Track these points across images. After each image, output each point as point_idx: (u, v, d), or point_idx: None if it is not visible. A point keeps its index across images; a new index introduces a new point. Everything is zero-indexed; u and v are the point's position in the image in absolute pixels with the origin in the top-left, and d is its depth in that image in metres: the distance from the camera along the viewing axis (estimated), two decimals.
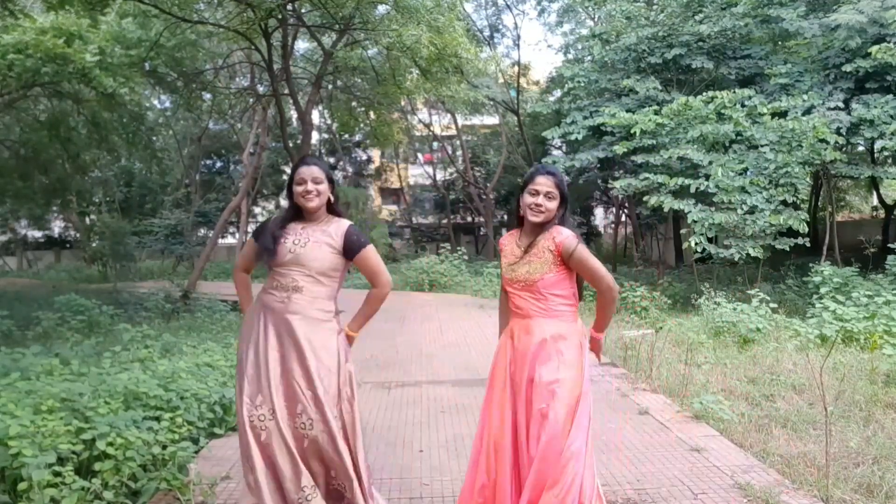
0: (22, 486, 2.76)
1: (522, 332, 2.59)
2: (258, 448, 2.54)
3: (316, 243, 2.65)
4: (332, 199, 2.73)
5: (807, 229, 10.41)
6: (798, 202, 10.71)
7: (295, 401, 2.57)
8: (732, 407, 4.43)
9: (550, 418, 2.41)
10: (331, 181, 2.75)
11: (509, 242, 2.70)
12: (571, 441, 2.40)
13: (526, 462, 2.47)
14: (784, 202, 10.32)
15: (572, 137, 13.95)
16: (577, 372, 2.50)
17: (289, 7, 10.16)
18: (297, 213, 2.74)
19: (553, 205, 2.54)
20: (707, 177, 10.31)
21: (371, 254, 2.75)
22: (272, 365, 2.59)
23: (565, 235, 2.52)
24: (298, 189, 2.66)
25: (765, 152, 10.34)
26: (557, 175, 2.60)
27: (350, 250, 2.70)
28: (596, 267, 2.55)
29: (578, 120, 13.86)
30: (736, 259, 10.01)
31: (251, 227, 33.56)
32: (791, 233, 10.40)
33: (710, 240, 10.32)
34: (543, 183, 2.54)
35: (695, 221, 10.15)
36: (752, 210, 9.93)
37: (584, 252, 2.53)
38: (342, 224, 2.73)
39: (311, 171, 2.66)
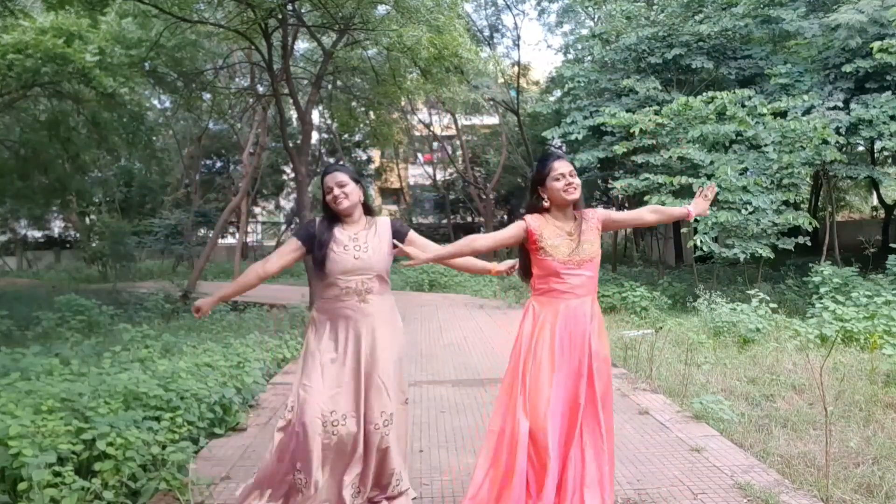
0: (22, 486, 2.75)
1: (575, 311, 2.67)
2: (321, 451, 2.65)
3: (375, 247, 2.82)
4: (362, 198, 2.88)
5: (816, 225, 10.40)
6: (798, 202, 10.71)
7: (378, 400, 2.74)
8: (732, 407, 4.43)
9: (608, 391, 2.68)
10: (357, 182, 2.88)
11: (545, 224, 2.73)
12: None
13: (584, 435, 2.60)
14: (786, 202, 10.32)
15: (572, 137, 13.94)
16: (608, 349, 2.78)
17: (289, 7, 10.15)
18: (335, 218, 2.87)
19: (578, 182, 2.72)
20: (709, 176, 10.30)
21: (416, 234, 2.98)
22: (355, 370, 2.75)
23: (597, 210, 2.83)
24: (328, 197, 2.84)
25: (767, 152, 10.33)
26: (566, 157, 2.80)
27: (398, 237, 2.90)
28: (628, 213, 2.91)
29: (578, 120, 13.85)
30: (741, 259, 10.00)
31: (251, 227, 33.63)
32: (792, 232, 10.40)
33: (712, 239, 10.31)
34: (564, 165, 2.71)
35: (697, 221, 10.14)
36: (755, 210, 9.93)
37: (613, 212, 2.91)
38: (384, 221, 2.94)
39: (334, 178, 2.84)
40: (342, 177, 2.83)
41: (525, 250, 2.79)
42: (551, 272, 2.69)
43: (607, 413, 2.67)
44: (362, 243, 2.80)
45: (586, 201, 3.01)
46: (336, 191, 2.80)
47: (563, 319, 2.65)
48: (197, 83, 13.56)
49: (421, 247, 2.89)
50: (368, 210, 2.93)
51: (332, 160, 31.85)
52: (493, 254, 24.00)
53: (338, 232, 2.82)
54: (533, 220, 2.74)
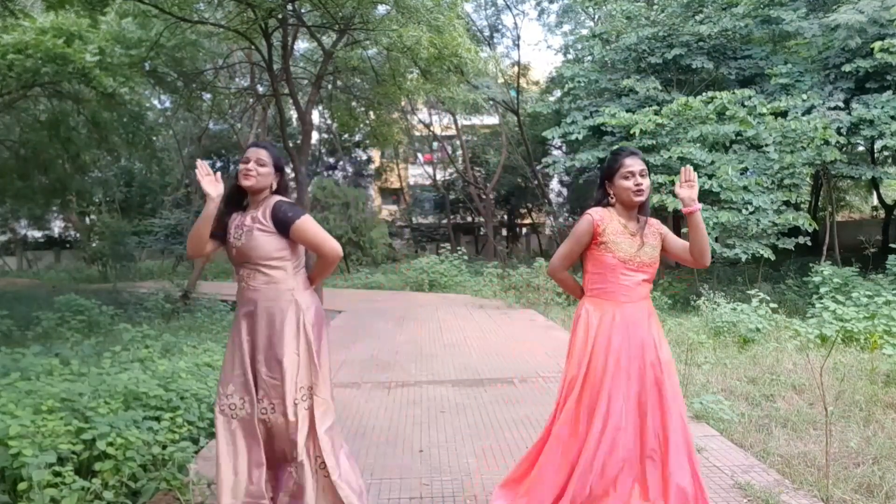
0: (22, 486, 2.75)
1: (632, 317, 2.57)
2: (227, 436, 2.57)
3: (248, 232, 2.55)
4: (274, 186, 2.64)
5: (815, 226, 10.40)
6: (799, 203, 10.71)
7: (258, 387, 2.58)
8: (732, 407, 4.43)
9: (677, 395, 2.56)
10: (279, 169, 2.64)
11: (610, 218, 2.59)
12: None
13: (654, 440, 2.54)
14: (786, 202, 10.32)
15: (572, 137, 13.95)
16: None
17: (289, 7, 10.15)
18: (239, 203, 2.69)
19: (648, 182, 2.60)
20: (709, 176, 10.31)
21: (306, 225, 2.55)
22: (246, 356, 2.60)
23: (657, 221, 2.70)
24: (241, 167, 2.59)
25: (768, 152, 10.34)
26: (640, 154, 2.65)
27: (282, 227, 2.54)
28: (679, 239, 2.71)
29: (578, 120, 13.86)
30: (741, 259, 10.00)
31: None
32: (793, 232, 10.40)
33: (713, 239, 10.32)
34: (635, 163, 2.58)
35: None
36: (756, 210, 9.94)
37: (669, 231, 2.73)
38: (271, 201, 2.59)
39: (256, 152, 2.59)
40: (265, 156, 2.59)
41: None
42: (609, 270, 2.57)
43: (683, 424, 2.57)
44: (239, 230, 2.58)
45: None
46: (251, 165, 2.55)
47: (619, 326, 2.54)
48: (197, 83, 13.57)
49: (309, 243, 2.58)
50: (280, 190, 2.68)
51: (332, 160, 31.88)
52: (492, 253, 23.98)
53: (234, 216, 2.66)
54: (597, 213, 2.59)
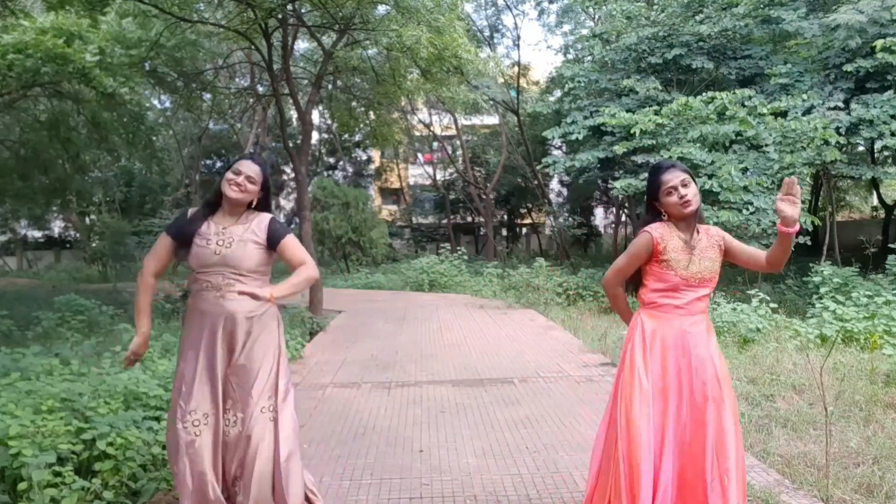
0: (22, 486, 2.76)
1: (690, 332, 2.46)
2: (187, 453, 2.51)
3: (240, 242, 2.61)
4: (255, 202, 2.69)
5: (818, 223, 10.38)
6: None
7: (226, 398, 2.58)
8: None
9: (732, 414, 2.42)
10: (265, 189, 2.71)
11: (671, 237, 2.50)
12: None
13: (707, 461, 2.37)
14: None
15: (572, 137, 13.95)
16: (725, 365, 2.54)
17: (289, 7, 10.14)
18: (214, 208, 2.70)
19: (693, 189, 2.50)
20: (709, 176, 10.31)
21: (292, 241, 2.69)
22: (217, 366, 2.57)
23: (717, 229, 2.58)
24: (229, 176, 2.62)
25: (768, 152, 10.33)
26: (679, 164, 2.56)
27: (272, 240, 2.66)
28: (745, 245, 2.59)
29: (578, 120, 13.86)
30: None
31: None
32: None
33: None
34: (676, 175, 2.48)
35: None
36: (756, 210, 9.94)
37: (732, 238, 2.59)
38: (264, 217, 2.70)
39: (251, 168, 2.64)
40: (257, 174, 2.64)
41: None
42: (671, 287, 2.49)
43: (739, 443, 2.42)
44: (226, 239, 2.60)
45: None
46: (241, 179, 2.60)
47: (676, 341, 2.46)
48: (197, 83, 13.56)
49: (292, 258, 2.66)
50: (261, 207, 2.73)
51: (332, 160, 31.87)
52: (492, 253, 23.97)
53: (206, 224, 2.64)
54: (657, 230, 2.51)
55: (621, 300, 2.74)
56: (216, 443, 2.55)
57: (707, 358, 2.44)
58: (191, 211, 2.75)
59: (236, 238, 2.61)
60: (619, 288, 2.69)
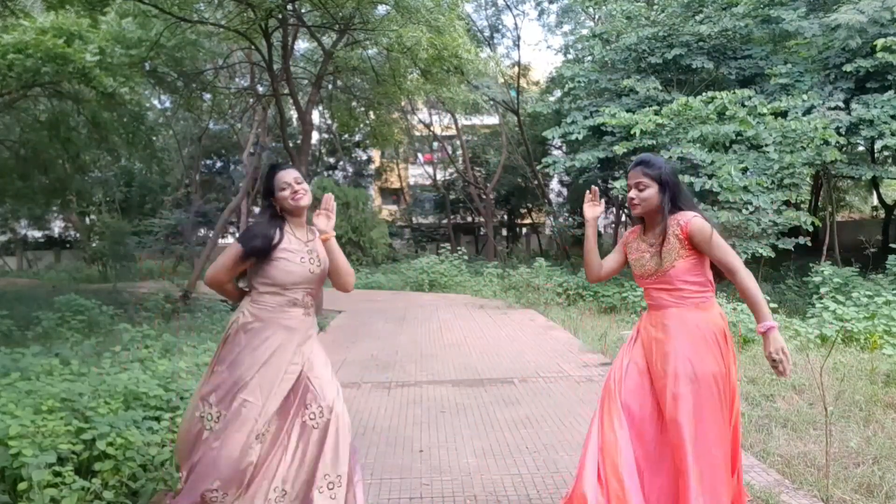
0: (22, 486, 2.76)
1: (658, 325, 2.50)
2: (246, 469, 2.51)
3: (325, 260, 2.69)
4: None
5: (818, 223, 10.38)
6: (799, 202, 10.71)
7: (301, 404, 2.59)
8: None
9: (696, 413, 2.35)
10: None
11: (633, 240, 2.66)
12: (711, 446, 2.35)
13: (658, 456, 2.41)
14: (786, 202, 10.32)
15: (572, 137, 13.94)
16: (721, 361, 2.42)
17: (289, 7, 10.15)
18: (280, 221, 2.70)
19: (648, 193, 2.50)
20: (709, 176, 10.31)
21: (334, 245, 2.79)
22: (297, 378, 2.60)
23: (689, 217, 2.45)
24: (284, 193, 2.62)
25: (768, 152, 10.33)
26: (648, 162, 2.54)
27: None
28: (725, 247, 2.44)
29: (578, 120, 13.85)
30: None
31: None
32: (793, 232, 10.40)
33: None
34: (632, 176, 2.55)
35: None
36: (756, 210, 9.94)
37: (713, 233, 2.43)
38: (315, 231, 2.75)
39: (291, 174, 2.66)
40: (297, 174, 2.68)
41: None
42: (642, 284, 2.62)
43: (698, 449, 2.32)
44: (315, 255, 2.66)
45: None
46: (296, 186, 2.62)
47: (649, 329, 2.54)
48: (197, 83, 13.57)
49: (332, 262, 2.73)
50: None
51: (332, 160, 31.86)
52: (492, 253, 23.95)
53: (288, 237, 2.63)
54: (629, 233, 2.72)
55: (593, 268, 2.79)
56: (282, 456, 2.54)
57: (672, 353, 2.41)
58: (258, 223, 2.70)
59: (321, 255, 2.69)
60: (604, 274, 2.77)
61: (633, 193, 2.53)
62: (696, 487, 2.27)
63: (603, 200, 2.76)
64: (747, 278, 2.38)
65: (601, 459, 2.40)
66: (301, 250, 2.64)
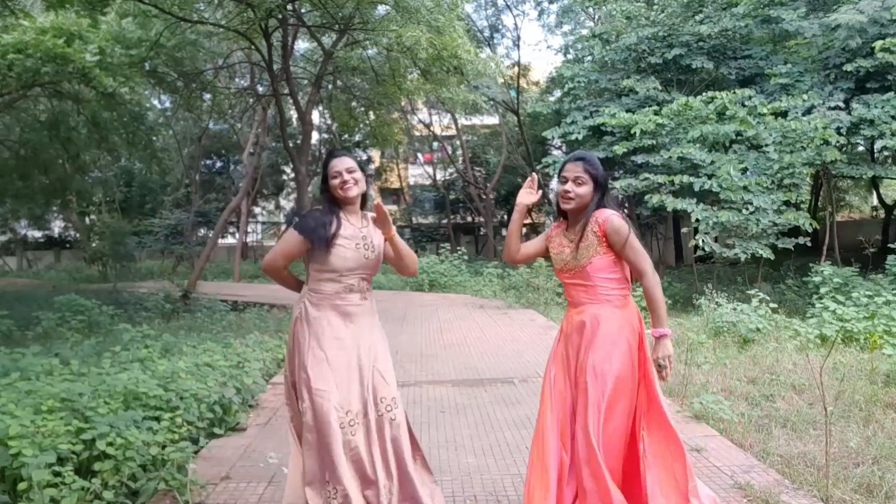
0: (22, 486, 2.75)
1: (573, 321, 2.58)
2: (346, 453, 2.55)
3: (380, 246, 2.75)
4: (364, 188, 2.77)
5: (816, 226, 10.39)
6: (799, 202, 10.71)
7: (382, 388, 2.66)
8: (732, 407, 4.42)
9: (603, 410, 2.41)
10: (363, 170, 2.79)
11: (556, 234, 2.70)
12: (620, 437, 2.45)
13: (569, 449, 2.49)
14: (786, 202, 10.33)
15: (572, 137, 13.95)
16: (628, 359, 2.48)
17: (289, 7, 10.15)
18: (336, 208, 2.76)
19: (584, 190, 2.53)
20: (709, 176, 10.31)
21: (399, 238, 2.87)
22: (365, 365, 2.65)
23: (608, 215, 2.49)
24: (335, 182, 2.67)
25: (768, 152, 10.33)
26: (587, 160, 2.57)
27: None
28: (639, 250, 2.51)
29: (578, 120, 13.86)
30: (741, 259, 10.00)
31: (251, 227, 33.60)
32: (793, 232, 10.40)
33: (713, 239, 10.31)
34: (571, 169, 2.55)
35: (698, 220, 10.16)
36: (756, 210, 9.94)
37: (629, 234, 2.48)
38: (367, 215, 2.82)
39: (343, 163, 2.69)
40: (351, 162, 2.69)
41: None
42: (561, 278, 2.67)
43: (609, 440, 2.39)
44: (369, 241, 2.71)
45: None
46: (346, 175, 2.65)
47: (569, 324, 2.62)
48: (197, 83, 13.57)
49: (395, 251, 2.81)
50: (362, 202, 2.82)
51: None
52: (492, 253, 23.93)
53: (345, 224, 2.68)
54: (552, 228, 2.73)
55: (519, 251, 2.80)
56: (370, 438, 2.60)
57: (584, 350, 2.49)
58: (313, 211, 2.74)
59: (376, 242, 2.74)
60: (522, 258, 2.79)
61: (569, 187, 2.53)
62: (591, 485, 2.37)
63: (540, 192, 2.74)
64: (654, 284, 2.50)
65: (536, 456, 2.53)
66: (356, 236, 2.69)
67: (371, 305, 2.76)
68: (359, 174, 2.70)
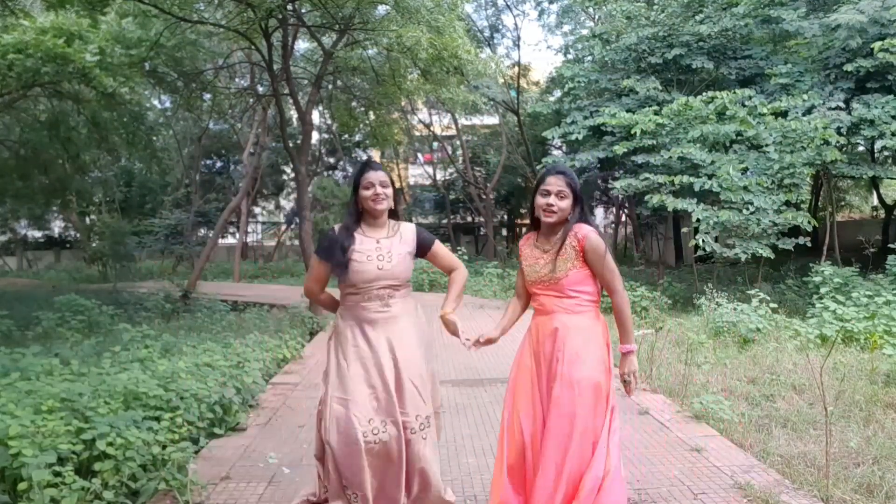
0: (22, 486, 2.76)
1: (545, 329, 2.59)
2: (367, 463, 2.56)
3: (399, 256, 2.76)
4: (394, 205, 2.82)
5: (816, 225, 10.37)
6: (799, 202, 10.71)
7: (412, 403, 2.65)
8: (732, 407, 4.43)
9: (576, 416, 2.43)
10: (394, 186, 2.84)
11: (527, 245, 2.73)
12: (594, 442, 2.45)
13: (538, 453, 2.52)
14: (787, 202, 10.33)
15: (572, 137, 13.94)
16: (599, 367, 2.51)
17: (289, 7, 10.14)
18: (357, 220, 2.81)
19: (565, 203, 2.56)
20: (709, 176, 10.30)
21: (441, 247, 2.93)
22: (388, 373, 2.64)
23: (587, 231, 2.54)
24: (367, 193, 2.73)
25: (768, 152, 10.32)
26: (568, 174, 2.61)
27: (422, 248, 2.87)
28: (613, 269, 2.57)
29: (578, 120, 13.85)
30: (742, 259, 10.00)
31: (251, 227, 33.59)
32: (793, 232, 10.40)
33: (713, 239, 10.31)
34: (554, 183, 2.57)
35: (699, 220, 10.16)
36: (756, 210, 9.94)
37: (606, 253, 2.55)
38: (408, 227, 2.88)
39: (378, 176, 2.74)
40: (385, 176, 2.76)
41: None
42: (534, 289, 2.66)
43: (576, 451, 2.43)
44: (386, 252, 2.73)
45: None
46: (379, 189, 2.72)
47: (538, 333, 2.62)
48: (197, 83, 13.55)
49: (445, 260, 2.92)
50: (393, 214, 2.86)
51: (332, 160, 31.86)
52: (492, 253, 23.95)
53: (359, 239, 2.74)
54: (523, 239, 2.78)
55: (520, 311, 2.87)
56: (399, 446, 2.61)
57: (556, 357, 2.51)
58: (335, 230, 2.81)
59: (395, 251, 2.76)
60: (518, 297, 2.84)
61: (553, 200, 2.56)
62: (560, 485, 2.41)
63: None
64: (624, 302, 2.59)
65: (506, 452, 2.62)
66: (369, 249, 2.73)
67: (398, 310, 2.76)
68: (390, 189, 2.78)
